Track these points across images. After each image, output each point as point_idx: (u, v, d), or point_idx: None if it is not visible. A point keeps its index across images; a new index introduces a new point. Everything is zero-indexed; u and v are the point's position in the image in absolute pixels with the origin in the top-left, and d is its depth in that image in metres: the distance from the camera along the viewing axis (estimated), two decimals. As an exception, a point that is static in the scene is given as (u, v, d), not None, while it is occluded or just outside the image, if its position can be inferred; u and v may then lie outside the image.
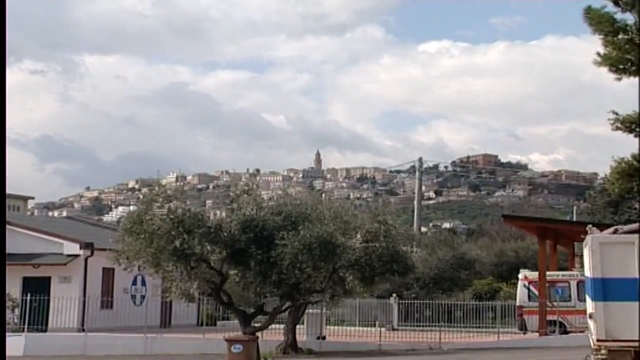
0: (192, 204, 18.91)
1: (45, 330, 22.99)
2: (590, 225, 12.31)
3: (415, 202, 42.63)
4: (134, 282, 26.90)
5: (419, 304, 28.02)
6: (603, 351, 10.99)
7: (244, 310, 19.52)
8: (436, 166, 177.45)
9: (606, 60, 16.42)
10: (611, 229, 12.10)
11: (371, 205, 21.66)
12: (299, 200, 19.28)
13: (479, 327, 25.97)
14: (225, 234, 17.71)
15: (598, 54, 16.55)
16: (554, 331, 22.64)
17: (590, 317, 11.64)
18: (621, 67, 16.29)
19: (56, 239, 25.68)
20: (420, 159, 42.33)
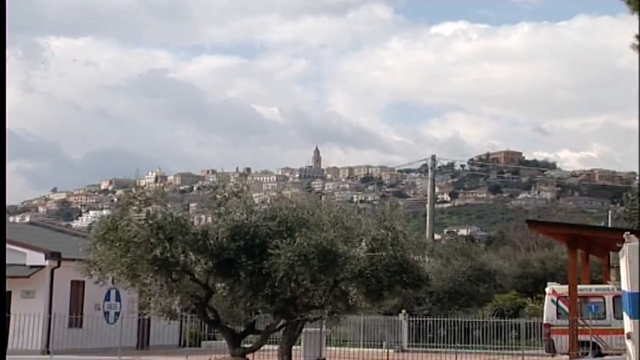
0: (174, 208, 18.88)
1: (4, 353, 22.93)
2: (627, 232, 12.28)
3: (428, 206, 42.70)
4: (107, 297, 26.85)
5: (432, 322, 28.01)
6: (642, 376, 10.97)
7: (233, 328, 19.50)
8: (451, 165, 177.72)
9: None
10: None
11: (377, 209, 21.64)
12: (296, 204, 19.27)
13: (501, 348, 25.96)
14: (211, 241, 17.71)
15: (637, 36, 16.49)
16: (587, 353, 22.58)
17: (628, 337, 11.62)
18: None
19: (18, 248, 25.57)
20: (433, 157, 42.40)
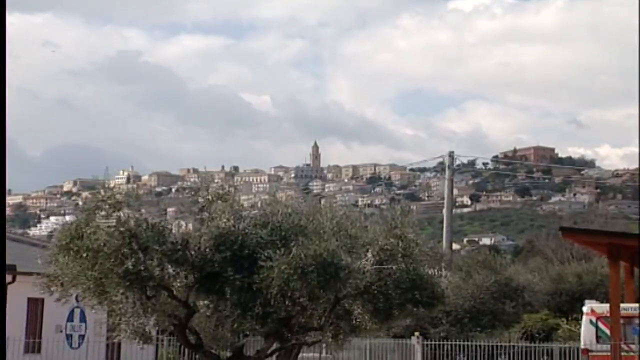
0: (150, 213, 18.90)
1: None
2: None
3: (445, 211, 42.77)
4: (71, 318, 26.86)
5: (450, 346, 28.01)
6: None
7: (217, 354, 19.54)
8: (472, 163, 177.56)
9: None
10: None
11: (386, 215, 21.60)
12: (291, 208, 19.28)
13: (530, 376, 25.91)
14: (192, 252, 17.72)
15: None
16: (631, 383, 22.58)
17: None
18: None
19: (-34, 260, 25.62)
20: (451, 154, 42.43)
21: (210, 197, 18.79)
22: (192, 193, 19.69)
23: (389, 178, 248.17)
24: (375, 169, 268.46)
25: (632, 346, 22.97)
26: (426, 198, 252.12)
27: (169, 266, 17.77)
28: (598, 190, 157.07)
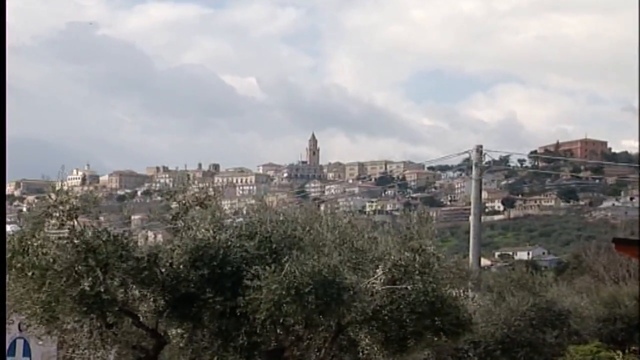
0: (111, 222, 19.03)
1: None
2: None
3: (472, 218, 42.76)
4: (12, 351, 26.86)
5: (478, 385, 27.97)
6: None
7: (193, 394, 19.52)
8: (505, 159, 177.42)
9: None
10: None
11: (400, 223, 21.67)
12: (283, 216, 19.32)
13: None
14: (163, 270, 17.77)
15: None
16: None
17: None
18: None
19: None
20: (479, 148, 42.42)
21: (185, 202, 18.83)
22: (163, 197, 19.76)
23: (403, 178, 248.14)
24: (386, 168, 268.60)
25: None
26: (449, 203, 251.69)
27: (134, 287, 17.78)
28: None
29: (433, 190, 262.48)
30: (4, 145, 11.68)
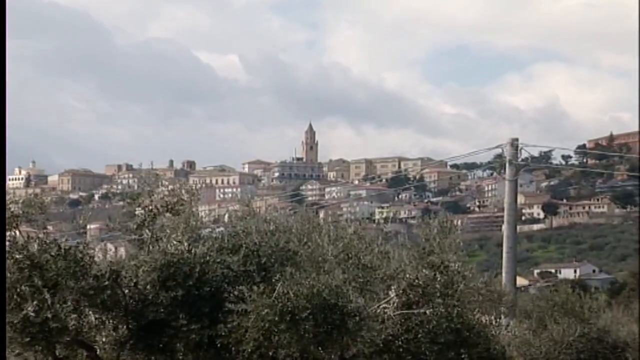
0: (61, 232, 18.95)
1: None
2: None
3: (505, 228, 42.70)
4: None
5: None
6: None
7: None
8: (546, 156, 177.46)
9: None
10: None
11: (416, 234, 21.66)
12: (274, 224, 19.31)
13: None
14: (126, 290, 17.76)
15: None
16: None
17: None
18: None
19: None
20: (514, 142, 42.39)
21: (153, 208, 18.85)
22: (126, 202, 19.70)
23: (421, 179, 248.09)
24: (399, 166, 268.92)
25: None
26: (477, 209, 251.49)
27: (90, 312, 17.74)
28: None
29: (457, 193, 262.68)
30: (4, 145, 13.40)
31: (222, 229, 19.45)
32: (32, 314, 17.07)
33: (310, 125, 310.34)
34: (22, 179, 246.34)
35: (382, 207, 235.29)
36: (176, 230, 18.14)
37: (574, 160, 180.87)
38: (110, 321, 18.01)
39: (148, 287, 17.72)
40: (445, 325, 18.66)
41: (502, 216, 43.88)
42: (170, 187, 20.23)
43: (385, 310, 18.44)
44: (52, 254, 17.38)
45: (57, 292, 17.27)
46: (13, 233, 17.55)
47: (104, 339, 18.27)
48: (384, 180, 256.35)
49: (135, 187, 20.81)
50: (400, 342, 18.57)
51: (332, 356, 18.22)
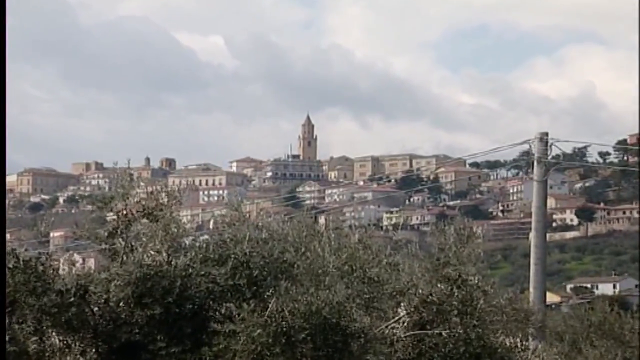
0: (20, 241, 18.95)
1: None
2: None
3: (533, 236, 42.72)
4: None
5: None
6: None
7: None
8: (581, 153, 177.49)
9: None
10: None
11: (430, 243, 21.67)
12: (267, 231, 19.32)
13: None
14: (96, 308, 17.76)
15: None
16: None
17: None
18: None
19: None
20: (542, 137, 42.42)
21: (127, 213, 18.89)
22: (96, 206, 19.68)
23: (436, 179, 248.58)
24: (411, 164, 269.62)
25: None
26: (500, 214, 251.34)
27: (54, 333, 17.71)
28: None
29: (478, 196, 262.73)
30: (4, 145, 14.89)
31: (206, 237, 19.46)
32: (-12, 335, 17.08)
33: (308, 118, 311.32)
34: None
35: (391, 212, 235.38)
36: (154, 239, 18.14)
37: (612, 158, 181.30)
38: (77, 344, 18.01)
39: (121, 304, 17.72)
40: (463, 348, 18.68)
41: (530, 222, 43.87)
42: (148, 188, 20.23)
43: (395, 331, 18.45)
44: (10, 266, 17.38)
45: (14, 311, 17.27)
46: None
47: (70, 364, 18.28)
48: (392, 180, 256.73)
49: (107, 188, 20.84)
50: (412, 367, 18.58)
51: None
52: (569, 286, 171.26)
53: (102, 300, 17.78)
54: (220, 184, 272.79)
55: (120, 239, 18.44)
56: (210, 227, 20.59)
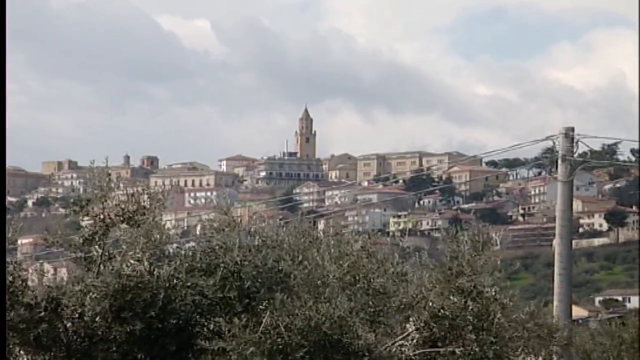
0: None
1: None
2: None
3: (557, 243, 42.76)
4: None
5: None
6: None
7: None
8: (610, 150, 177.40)
9: None
10: None
11: (442, 250, 21.69)
12: (261, 237, 19.33)
13: None
14: (69, 323, 17.76)
15: None
16: None
17: None
18: None
19: None
20: (568, 133, 42.46)
21: (104, 217, 18.94)
22: (70, 209, 19.69)
23: (448, 179, 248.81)
24: (420, 162, 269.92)
25: None
26: (520, 218, 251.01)
27: (22, 352, 17.67)
28: None
29: (495, 198, 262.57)
30: (4, 144, 15.98)
31: (193, 244, 19.46)
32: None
33: (306, 111, 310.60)
34: None
35: (399, 216, 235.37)
36: (134, 246, 18.16)
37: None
38: (48, 363, 18.03)
39: (97, 319, 17.75)
40: (479, 367, 18.72)
41: (553, 228, 43.93)
42: (127, 190, 20.24)
43: (403, 349, 18.49)
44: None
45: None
46: None
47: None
48: (400, 181, 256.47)
49: (82, 190, 20.85)
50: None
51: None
52: (597, 299, 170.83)
53: (76, 315, 17.79)
54: (208, 185, 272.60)
55: (96, 247, 18.46)
56: (197, 233, 20.62)
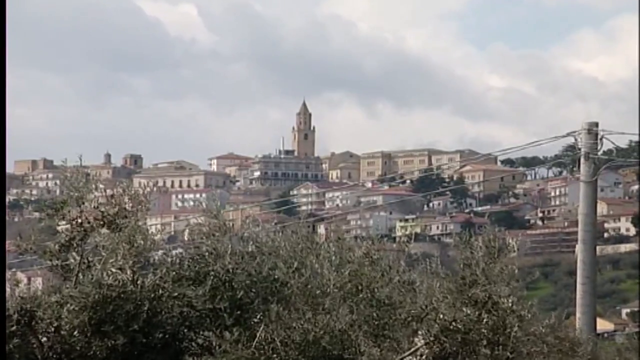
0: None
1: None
2: None
3: (579, 249, 42.90)
4: None
5: None
6: None
7: None
8: (637, 147, 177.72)
9: None
10: None
11: (453, 257, 21.75)
12: (255, 244, 19.38)
13: None
14: (44, 338, 17.79)
15: None
16: None
17: None
18: None
19: None
20: (591, 128, 42.57)
21: (83, 221, 18.97)
22: (44, 212, 19.74)
23: (460, 179, 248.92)
24: (429, 161, 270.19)
25: None
26: (539, 222, 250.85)
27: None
28: None
29: (512, 200, 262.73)
30: (4, 144, 16.81)
31: (180, 250, 19.48)
32: None
33: (304, 105, 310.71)
34: None
35: (406, 220, 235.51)
36: (116, 253, 18.19)
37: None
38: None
39: (75, 333, 17.78)
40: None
41: (576, 232, 44.08)
42: (108, 191, 20.27)
43: (412, 365, 18.50)
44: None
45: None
46: None
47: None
48: (408, 181, 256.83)
49: (58, 191, 20.94)
50: (431, 411, 18.66)
51: None
52: (624, 311, 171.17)
53: (52, 329, 17.82)
54: (197, 185, 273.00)
55: (74, 254, 18.48)
56: (185, 238, 20.64)
